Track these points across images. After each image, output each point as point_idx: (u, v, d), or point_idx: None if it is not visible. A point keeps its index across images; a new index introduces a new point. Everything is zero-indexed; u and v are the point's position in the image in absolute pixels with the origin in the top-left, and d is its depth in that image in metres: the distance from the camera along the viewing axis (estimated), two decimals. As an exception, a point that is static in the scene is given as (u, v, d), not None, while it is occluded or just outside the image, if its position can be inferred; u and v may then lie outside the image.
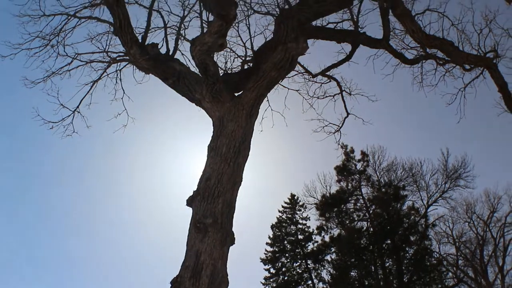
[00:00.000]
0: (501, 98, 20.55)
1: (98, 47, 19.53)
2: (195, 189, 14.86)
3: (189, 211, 14.65)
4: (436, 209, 66.90)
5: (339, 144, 22.71)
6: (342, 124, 21.85)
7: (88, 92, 19.62)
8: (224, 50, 17.95)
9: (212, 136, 15.41)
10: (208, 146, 15.29)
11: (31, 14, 18.88)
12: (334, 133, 22.03)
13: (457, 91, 21.12)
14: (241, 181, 15.15)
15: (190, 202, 14.75)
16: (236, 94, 16.06)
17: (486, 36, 20.45)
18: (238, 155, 15.06)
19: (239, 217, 15.05)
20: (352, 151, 68.05)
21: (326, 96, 21.69)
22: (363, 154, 68.59)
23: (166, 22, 18.91)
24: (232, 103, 15.62)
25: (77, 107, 19.75)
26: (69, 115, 19.80)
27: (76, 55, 19.53)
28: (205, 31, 16.64)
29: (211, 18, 16.57)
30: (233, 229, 14.61)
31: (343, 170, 68.11)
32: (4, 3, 19.14)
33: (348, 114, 21.70)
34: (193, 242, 14.02)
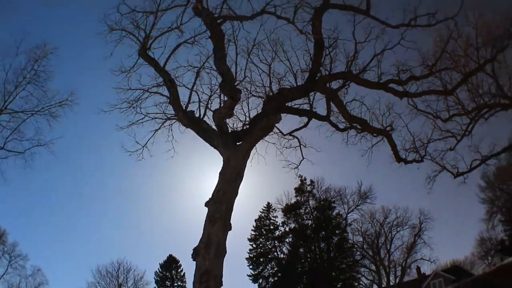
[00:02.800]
0: (392, 154, 20.82)
1: (160, 110, 19.49)
2: (210, 196, 14.77)
3: (205, 209, 14.64)
4: (352, 215, 67.26)
5: (297, 175, 22.51)
6: (299, 164, 21.61)
7: (152, 135, 19.54)
8: (233, 117, 17.94)
9: (222, 167, 15.31)
10: (219, 173, 15.17)
11: (122, 87, 19.00)
12: (294, 168, 21.67)
13: (368, 149, 21.22)
14: (237, 194, 15.07)
15: (207, 204, 14.69)
16: (237, 143, 16.04)
17: (387, 117, 20.65)
18: (237, 179, 15.04)
19: (236, 214, 14.94)
20: (305, 179, 68.87)
21: (291, 147, 21.45)
22: (311, 181, 69.63)
23: (200, 98, 18.82)
24: (235, 149, 15.63)
25: (145, 144, 19.53)
26: (140, 148, 19.63)
27: (147, 113, 19.49)
28: (222, 105, 16.72)
29: (226, 98, 16.61)
30: (231, 221, 14.61)
31: (299, 190, 69.12)
32: (107, 80, 19.33)
33: (303, 158, 21.46)
34: (207, 228, 14.07)
